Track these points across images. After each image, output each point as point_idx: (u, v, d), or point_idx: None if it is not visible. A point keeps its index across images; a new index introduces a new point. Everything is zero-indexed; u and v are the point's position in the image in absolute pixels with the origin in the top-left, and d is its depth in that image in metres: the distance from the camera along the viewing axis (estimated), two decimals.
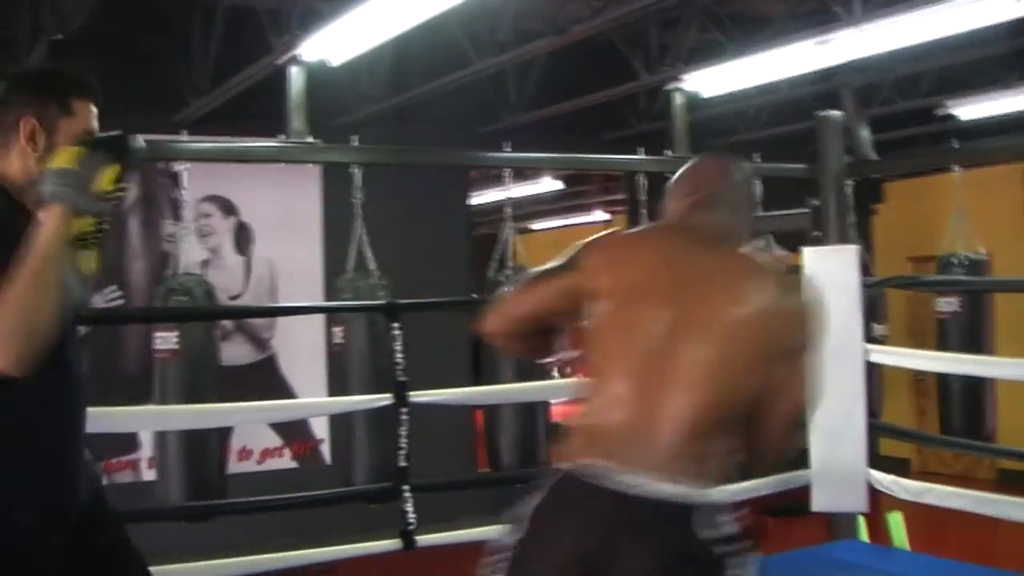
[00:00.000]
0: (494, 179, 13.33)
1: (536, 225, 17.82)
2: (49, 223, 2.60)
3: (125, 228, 8.51)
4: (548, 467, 2.76)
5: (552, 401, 6.93)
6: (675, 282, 2.71)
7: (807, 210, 6.45)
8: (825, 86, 8.41)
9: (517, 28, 7.18)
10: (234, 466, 6.75)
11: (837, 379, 5.08)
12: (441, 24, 6.46)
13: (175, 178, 6.79)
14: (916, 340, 9.93)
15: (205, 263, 8.62)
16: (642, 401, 2.62)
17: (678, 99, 7.51)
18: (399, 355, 5.08)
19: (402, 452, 5.05)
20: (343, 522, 5.92)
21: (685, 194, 2.93)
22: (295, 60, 6.21)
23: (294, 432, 8.96)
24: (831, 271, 5.48)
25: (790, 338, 2.74)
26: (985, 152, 7.80)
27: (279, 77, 6.32)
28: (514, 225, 6.97)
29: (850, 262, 5.69)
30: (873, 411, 6.13)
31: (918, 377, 10.41)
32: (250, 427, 8.38)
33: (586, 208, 16.56)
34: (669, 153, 6.95)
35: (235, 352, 8.69)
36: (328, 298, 7.43)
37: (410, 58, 7.95)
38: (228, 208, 8.90)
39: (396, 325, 5.13)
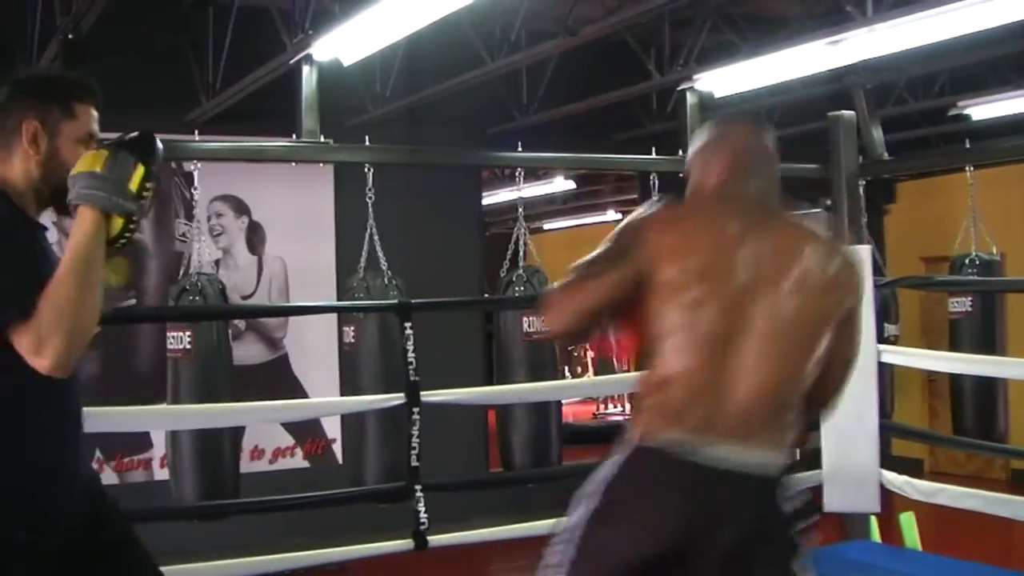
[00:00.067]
0: (506, 179, 13.37)
1: (548, 225, 17.84)
2: (84, 226, 2.64)
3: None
4: (619, 445, 2.74)
5: (564, 401, 6.93)
6: (737, 258, 2.71)
7: (820, 210, 6.44)
8: (838, 86, 8.40)
9: (530, 28, 7.17)
10: (246, 466, 6.75)
11: (849, 379, 5.07)
12: (453, 24, 6.46)
13: (187, 177, 6.80)
14: (928, 340, 9.92)
15: (217, 263, 8.63)
16: (718, 375, 2.65)
17: (691, 99, 7.52)
18: (411, 355, 5.08)
19: (414, 452, 5.05)
20: (355, 522, 5.93)
21: (723, 163, 2.90)
22: (307, 60, 6.22)
23: (306, 432, 8.96)
24: None
25: (848, 299, 2.82)
26: (998, 152, 7.77)
27: (292, 77, 6.33)
28: (526, 225, 6.98)
29: (862, 262, 5.68)
30: (885, 411, 6.12)
31: (930, 377, 10.39)
32: (262, 427, 8.38)
33: (599, 208, 16.56)
34: (682, 153, 6.94)
35: (247, 352, 8.70)
36: (340, 298, 7.43)
37: (422, 58, 7.95)
38: (240, 208, 8.91)
39: (408, 325, 5.13)
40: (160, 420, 5.91)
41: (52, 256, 2.78)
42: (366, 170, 6.05)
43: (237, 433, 6.10)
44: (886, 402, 6.24)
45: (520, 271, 6.73)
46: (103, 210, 2.65)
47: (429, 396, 5.09)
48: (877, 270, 5.85)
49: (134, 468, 8.34)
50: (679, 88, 7.76)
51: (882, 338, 5.97)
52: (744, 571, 2.63)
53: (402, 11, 5.65)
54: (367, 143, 6.15)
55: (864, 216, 6.56)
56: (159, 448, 8.01)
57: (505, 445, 6.64)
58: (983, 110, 9.25)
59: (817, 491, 5.58)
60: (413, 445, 5.05)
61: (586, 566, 2.67)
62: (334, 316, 7.93)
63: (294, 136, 6.10)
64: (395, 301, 5.88)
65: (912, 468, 7.30)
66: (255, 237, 8.98)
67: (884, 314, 6.70)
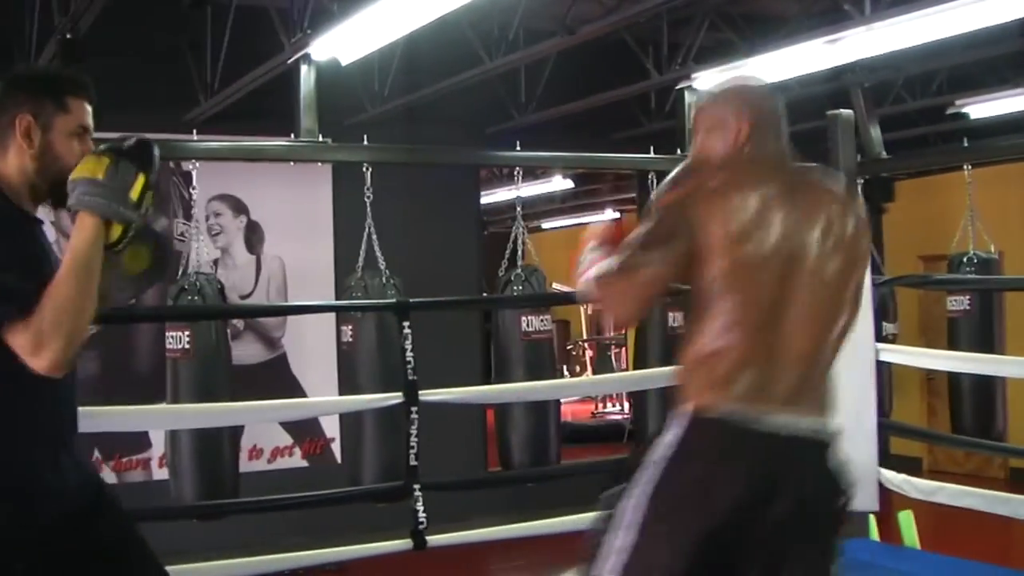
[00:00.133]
0: (505, 178, 13.37)
1: (547, 224, 17.84)
2: (84, 231, 2.66)
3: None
4: (674, 414, 2.73)
5: (563, 400, 6.93)
6: (782, 222, 2.70)
7: None
8: (836, 85, 8.40)
9: (528, 27, 7.18)
10: (245, 465, 6.74)
11: (847, 378, 5.07)
12: (452, 23, 6.46)
13: (186, 177, 6.78)
14: (927, 339, 9.93)
15: (216, 262, 8.63)
16: (771, 342, 2.66)
17: (689, 98, 7.52)
18: (409, 354, 5.08)
19: (413, 451, 5.05)
20: (354, 521, 5.94)
21: (744, 122, 2.87)
22: (306, 59, 6.22)
23: (305, 431, 8.96)
24: None
25: (868, 248, 2.90)
26: (996, 151, 7.78)
27: (290, 76, 6.33)
28: (525, 224, 6.98)
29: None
30: (884, 410, 6.12)
31: (929, 376, 10.39)
32: (260, 426, 8.38)
33: (597, 207, 16.55)
34: (680, 152, 6.95)
35: (246, 351, 8.70)
36: (339, 297, 7.44)
37: (420, 57, 7.96)
38: (239, 207, 8.91)
39: (406, 324, 5.13)
40: (159, 420, 5.91)
41: (50, 252, 2.80)
42: (364, 169, 6.05)
43: (236, 432, 6.10)
44: (884, 401, 6.24)
45: (518, 270, 6.73)
46: (103, 217, 2.68)
47: (427, 395, 5.09)
48: (875, 269, 5.85)
49: (132, 468, 8.34)
50: (677, 87, 7.76)
51: (880, 337, 5.98)
52: (806, 536, 2.69)
53: (400, 10, 5.65)
54: (365, 142, 6.15)
55: None
56: (157, 448, 8.01)
57: (504, 444, 6.63)
58: (981, 109, 9.25)
59: None
60: (412, 444, 5.04)
61: (652, 548, 2.64)
62: (332, 315, 7.93)
63: (292, 135, 6.10)
64: (393, 300, 5.89)
65: (911, 466, 7.30)
66: (253, 236, 8.98)
67: (882, 313, 6.71)
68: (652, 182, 6.62)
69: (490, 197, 13.48)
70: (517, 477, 6.94)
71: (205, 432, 5.58)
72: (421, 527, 5.01)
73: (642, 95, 9.29)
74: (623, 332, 15.18)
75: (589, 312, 17.98)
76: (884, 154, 7.27)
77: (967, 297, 7.01)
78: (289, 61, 6.33)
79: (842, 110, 6.50)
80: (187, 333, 5.74)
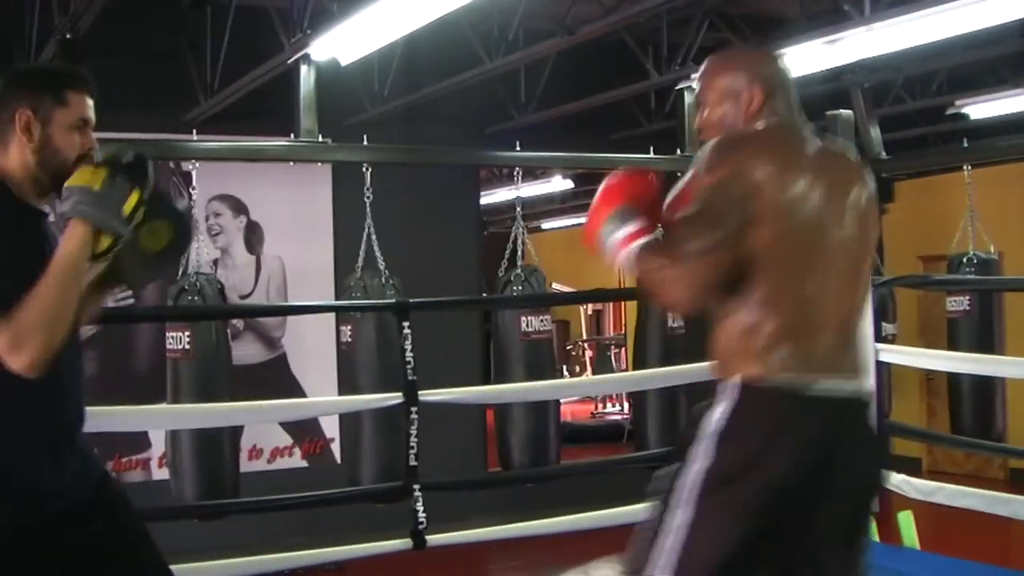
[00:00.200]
0: (504, 178, 13.37)
1: (547, 224, 17.83)
2: (74, 239, 2.69)
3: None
4: (722, 387, 2.72)
5: (562, 400, 6.93)
6: (820, 194, 2.70)
7: None
8: (836, 85, 8.40)
9: (528, 27, 7.18)
10: (244, 465, 6.75)
11: None
12: (451, 23, 6.46)
13: (186, 177, 6.78)
14: (926, 339, 9.93)
15: (216, 262, 8.63)
16: (814, 309, 2.69)
17: (689, 98, 7.52)
18: (409, 354, 5.08)
19: (412, 451, 5.05)
20: (353, 521, 5.93)
21: (760, 89, 2.86)
22: (306, 59, 6.23)
23: (304, 431, 8.96)
24: None
25: (878, 216, 2.94)
26: (995, 151, 7.79)
27: (290, 76, 6.34)
28: (524, 224, 6.98)
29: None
30: (883, 410, 6.12)
31: (928, 376, 10.39)
32: (260, 426, 8.38)
33: None
34: (680, 152, 6.95)
35: (246, 351, 8.70)
36: (339, 297, 7.44)
37: (420, 57, 7.95)
38: (238, 207, 8.90)
39: (406, 324, 5.13)
40: (159, 420, 5.91)
41: (55, 243, 2.81)
42: (364, 169, 6.05)
43: (236, 433, 6.10)
44: (884, 401, 6.24)
45: (518, 270, 6.73)
46: (95, 227, 2.71)
47: (427, 395, 5.08)
48: (875, 269, 5.85)
49: (132, 468, 8.34)
50: (677, 87, 7.77)
51: (880, 337, 5.98)
52: (856, 498, 2.74)
53: (400, 10, 5.65)
54: (365, 142, 6.16)
55: None
56: (157, 448, 8.01)
57: (503, 444, 6.64)
58: (981, 109, 9.25)
59: None
60: (411, 444, 5.04)
61: (711, 523, 2.62)
62: (332, 316, 7.94)
63: (292, 136, 6.10)
64: (393, 300, 5.89)
65: (910, 467, 7.30)
66: (253, 237, 8.97)
67: (882, 313, 6.71)
68: None
69: (490, 197, 13.48)
70: (517, 477, 6.94)
71: (205, 432, 5.59)
72: (421, 527, 5.01)
73: (642, 95, 9.30)
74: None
75: (589, 312, 18.02)
76: (884, 154, 7.29)
77: (967, 297, 7.01)
78: (289, 61, 6.33)
79: (842, 110, 6.52)
80: (187, 333, 5.75)
